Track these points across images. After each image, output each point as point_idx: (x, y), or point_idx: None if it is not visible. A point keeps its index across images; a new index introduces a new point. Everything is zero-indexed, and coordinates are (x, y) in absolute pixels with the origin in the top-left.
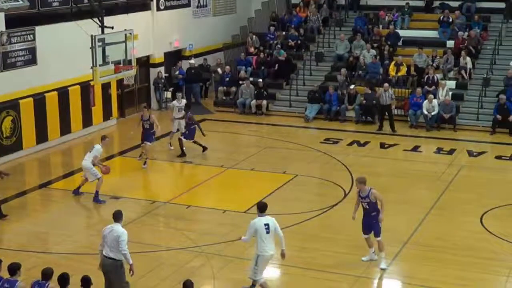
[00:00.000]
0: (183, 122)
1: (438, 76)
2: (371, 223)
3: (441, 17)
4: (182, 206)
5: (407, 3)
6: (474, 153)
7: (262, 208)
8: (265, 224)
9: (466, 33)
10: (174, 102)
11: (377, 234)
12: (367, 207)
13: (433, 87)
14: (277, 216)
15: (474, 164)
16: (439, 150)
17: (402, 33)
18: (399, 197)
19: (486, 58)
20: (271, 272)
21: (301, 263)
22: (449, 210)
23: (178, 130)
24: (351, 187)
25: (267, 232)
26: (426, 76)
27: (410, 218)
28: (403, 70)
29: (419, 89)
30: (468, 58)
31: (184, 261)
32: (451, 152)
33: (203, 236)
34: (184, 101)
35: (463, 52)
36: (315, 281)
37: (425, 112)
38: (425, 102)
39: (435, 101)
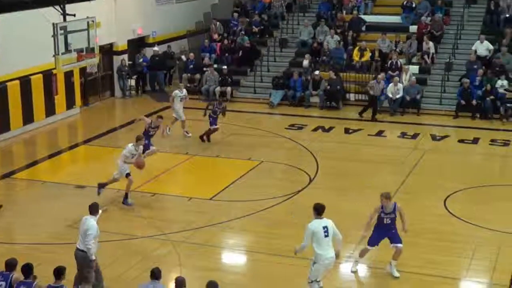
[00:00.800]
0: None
1: (402, 61)
2: (387, 235)
3: (404, 2)
4: (147, 195)
5: None
6: (438, 137)
7: (319, 210)
8: (324, 227)
9: (429, 18)
10: (176, 91)
11: (399, 241)
12: (389, 222)
13: (397, 72)
14: (243, 202)
15: (437, 148)
16: (403, 135)
17: (366, 18)
18: (364, 182)
19: (448, 43)
20: (237, 259)
21: (267, 249)
22: (413, 194)
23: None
24: (316, 173)
25: (326, 236)
26: (390, 61)
27: (375, 202)
28: (367, 56)
29: (382, 74)
30: (431, 43)
31: (150, 249)
32: (414, 136)
33: (169, 223)
34: (185, 91)
35: (425, 37)
36: (281, 266)
37: (390, 95)
38: (391, 85)
39: (400, 84)
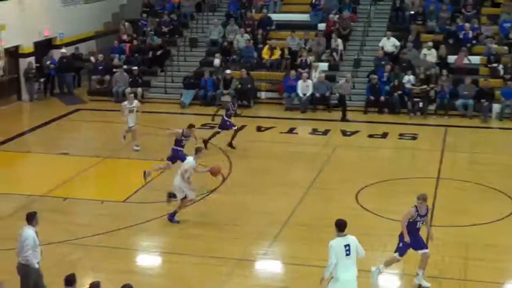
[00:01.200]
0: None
1: (311, 58)
2: (419, 238)
3: (313, 1)
4: (59, 199)
5: None
6: (348, 133)
7: (340, 226)
8: (346, 245)
9: (337, 16)
10: (125, 103)
11: (425, 246)
12: (420, 226)
13: (307, 69)
14: (157, 204)
15: (348, 143)
16: (314, 131)
17: (275, 17)
18: (278, 179)
19: (356, 40)
20: (151, 261)
21: (181, 249)
22: (326, 189)
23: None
24: (229, 172)
25: (347, 255)
26: (300, 59)
27: (289, 199)
28: (277, 54)
29: (293, 72)
30: (339, 40)
31: (63, 254)
32: (325, 132)
33: (82, 228)
34: (136, 102)
35: (334, 35)
36: (195, 266)
37: (300, 94)
38: (300, 82)
39: (309, 81)
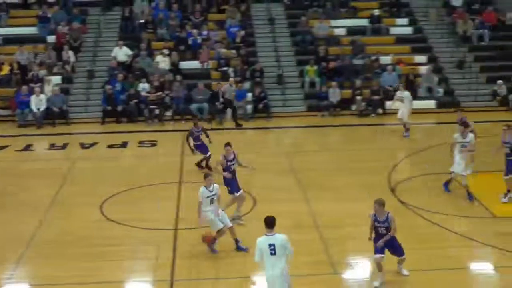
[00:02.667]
0: None
1: (43, 72)
2: (389, 243)
3: (40, 13)
4: None
5: (4, 1)
6: (86, 145)
7: (268, 224)
8: (270, 245)
9: (67, 27)
10: None
11: (401, 253)
12: (385, 232)
13: (39, 83)
14: None
15: (87, 155)
16: (52, 146)
17: (1, 31)
18: (18, 199)
19: (88, 51)
20: None
21: None
22: (69, 205)
23: None
24: None
25: (272, 254)
26: (31, 74)
27: (31, 218)
28: (6, 69)
29: (24, 87)
30: (71, 52)
31: None
32: (64, 146)
33: None
34: None
35: (65, 46)
36: None
37: (34, 109)
38: (33, 97)
39: (42, 95)
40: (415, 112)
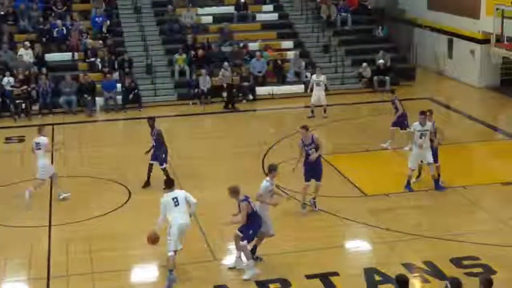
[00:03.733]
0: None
1: None
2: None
3: None
4: None
5: None
6: None
7: (167, 183)
8: (173, 198)
9: None
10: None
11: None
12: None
13: None
14: None
15: None
16: None
17: None
18: None
19: None
20: None
21: None
22: None
23: None
24: None
25: (176, 205)
26: None
27: None
28: None
29: None
30: None
31: None
32: None
33: None
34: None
35: None
36: None
37: None
38: None
39: None
40: (284, 97)
